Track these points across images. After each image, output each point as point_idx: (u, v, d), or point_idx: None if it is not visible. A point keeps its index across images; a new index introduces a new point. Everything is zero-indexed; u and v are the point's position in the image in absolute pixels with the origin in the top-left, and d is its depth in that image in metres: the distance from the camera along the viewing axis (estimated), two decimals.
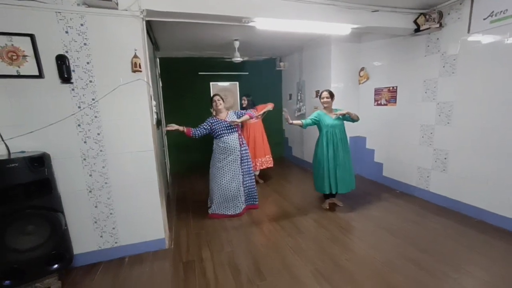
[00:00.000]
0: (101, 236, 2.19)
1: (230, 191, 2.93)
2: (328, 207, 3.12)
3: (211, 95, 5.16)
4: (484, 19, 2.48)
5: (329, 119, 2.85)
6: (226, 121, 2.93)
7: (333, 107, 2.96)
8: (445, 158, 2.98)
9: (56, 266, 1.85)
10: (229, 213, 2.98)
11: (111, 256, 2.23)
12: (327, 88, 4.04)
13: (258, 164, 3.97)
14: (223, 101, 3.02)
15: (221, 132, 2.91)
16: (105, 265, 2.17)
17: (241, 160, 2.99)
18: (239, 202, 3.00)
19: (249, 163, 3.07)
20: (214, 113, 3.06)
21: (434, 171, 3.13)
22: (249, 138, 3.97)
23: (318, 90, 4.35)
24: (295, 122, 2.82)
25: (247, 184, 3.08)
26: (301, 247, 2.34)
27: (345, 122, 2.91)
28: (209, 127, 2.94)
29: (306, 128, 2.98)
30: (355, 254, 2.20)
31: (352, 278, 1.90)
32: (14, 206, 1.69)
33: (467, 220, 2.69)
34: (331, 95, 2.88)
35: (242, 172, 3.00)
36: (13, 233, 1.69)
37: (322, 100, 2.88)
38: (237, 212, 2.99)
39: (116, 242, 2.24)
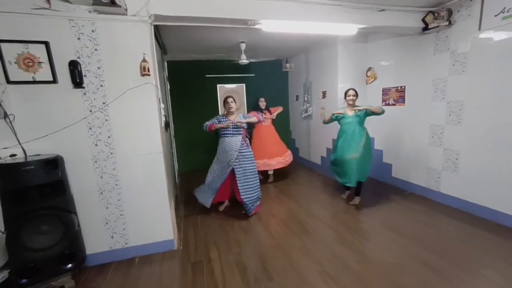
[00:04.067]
0: (112, 237, 2.24)
1: (212, 184, 3.07)
2: (346, 197, 3.39)
3: (218, 97, 5.28)
4: (496, 15, 2.42)
5: (348, 117, 3.01)
6: (234, 123, 3.00)
7: (339, 107, 3.07)
8: (456, 159, 2.92)
9: (70, 265, 1.91)
10: (200, 201, 3.11)
11: (122, 257, 2.28)
12: (335, 88, 4.06)
13: (274, 163, 4.10)
14: (235, 103, 3.10)
15: (227, 131, 2.99)
16: (116, 265, 2.22)
17: (244, 160, 3.00)
18: (210, 197, 3.08)
19: (252, 164, 3.08)
20: (225, 113, 3.16)
21: (444, 171, 3.07)
22: (261, 140, 4.10)
23: (325, 91, 4.34)
24: (327, 117, 3.11)
25: (251, 184, 3.05)
26: (309, 248, 2.33)
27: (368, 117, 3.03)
28: (217, 122, 3.02)
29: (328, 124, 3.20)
30: (364, 255, 2.18)
31: (360, 280, 1.88)
32: (30, 207, 1.76)
33: (480, 222, 2.62)
34: (357, 93, 3.05)
35: (244, 172, 2.99)
36: (29, 233, 1.75)
37: (348, 98, 3.02)
38: (206, 205, 3.06)
39: (126, 243, 2.29)
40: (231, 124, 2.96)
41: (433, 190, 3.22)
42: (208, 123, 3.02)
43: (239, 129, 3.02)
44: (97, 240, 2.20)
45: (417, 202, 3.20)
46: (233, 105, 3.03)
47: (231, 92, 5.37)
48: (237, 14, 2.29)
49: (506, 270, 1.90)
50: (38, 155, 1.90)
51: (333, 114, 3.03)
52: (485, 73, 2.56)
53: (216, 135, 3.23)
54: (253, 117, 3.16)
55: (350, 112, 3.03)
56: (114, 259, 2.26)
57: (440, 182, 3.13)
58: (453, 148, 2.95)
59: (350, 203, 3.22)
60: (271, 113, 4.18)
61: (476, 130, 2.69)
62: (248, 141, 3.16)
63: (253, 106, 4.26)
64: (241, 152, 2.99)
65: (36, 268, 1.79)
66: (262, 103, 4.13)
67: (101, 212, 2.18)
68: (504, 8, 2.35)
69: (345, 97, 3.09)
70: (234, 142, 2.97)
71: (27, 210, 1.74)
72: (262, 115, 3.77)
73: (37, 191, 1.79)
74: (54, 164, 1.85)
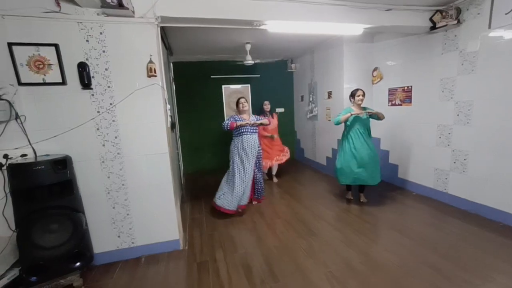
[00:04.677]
0: (119, 236, 2.27)
1: (239, 189, 3.01)
2: (350, 198, 3.35)
3: (223, 98, 5.31)
4: (506, 13, 2.37)
5: (357, 117, 2.95)
6: (250, 121, 3.11)
7: (345, 107, 3.02)
8: (465, 159, 2.86)
9: (78, 264, 1.94)
10: (229, 209, 2.99)
11: (128, 256, 2.31)
12: (340, 88, 4.04)
13: (274, 161, 4.17)
14: (248, 103, 3.25)
15: (245, 130, 3.07)
16: (122, 264, 2.25)
17: (257, 158, 3.19)
18: (241, 200, 3.05)
19: (260, 161, 3.29)
20: (236, 113, 3.27)
21: (453, 172, 3.01)
22: (265, 144, 4.17)
23: (331, 91, 4.32)
24: (344, 117, 2.96)
25: (258, 178, 3.31)
26: (314, 249, 2.31)
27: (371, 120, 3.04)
28: (233, 120, 3.07)
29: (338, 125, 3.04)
30: (370, 257, 2.15)
31: (366, 282, 1.86)
32: (40, 206, 1.79)
33: (490, 224, 2.57)
34: (364, 93, 3.02)
35: (256, 168, 3.22)
36: (39, 231, 1.79)
37: (357, 98, 2.97)
38: (234, 209, 3.01)
39: (132, 243, 2.31)
40: (250, 122, 3.07)
41: (441, 191, 3.17)
42: (227, 122, 3.04)
43: (255, 128, 3.16)
44: (104, 239, 2.23)
45: (424, 204, 3.15)
46: (246, 104, 3.17)
47: (236, 93, 5.39)
48: (243, 15, 2.30)
49: None
50: (48, 155, 1.94)
51: (352, 115, 2.90)
52: (495, 73, 2.51)
53: (226, 134, 3.28)
54: (265, 119, 3.28)
55: (360, 111, 2.97)
56: (120, 258, 2.29)
57: (448, 183, 3.08)
58: (461, 148, 2.90)
59: (361, 200, 3.24)
60: (272, 117, 4.21)
61: (486, 131, 2.64)
62: (260, 140, 3.33)
63: (258, 110, 4.26)
64: (258, 149, 3.20)
65: (45, 266, 1.82)
66: (267, 106, 4.14)
67: (108, 211, 2.21)
68: None
69: (352, 98, 3.04)
70: (253, 140, 3.09)
71: (37, 209, 1.78)
72: (269, 119, 3.90)
73: (47, 191, 1.82)
74: (63, 164, 1.88)
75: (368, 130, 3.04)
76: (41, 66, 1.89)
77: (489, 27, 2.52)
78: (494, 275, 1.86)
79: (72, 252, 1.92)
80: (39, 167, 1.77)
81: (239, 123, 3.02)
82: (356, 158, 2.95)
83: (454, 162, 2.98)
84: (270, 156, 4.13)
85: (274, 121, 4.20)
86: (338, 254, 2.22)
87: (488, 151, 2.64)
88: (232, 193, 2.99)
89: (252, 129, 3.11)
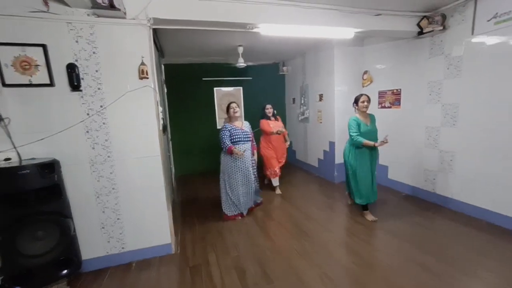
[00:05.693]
0: (109, 242, 2.21)
1: (243, 195, 3.04)
2: (374, 218, 2.84)
3: (215, 100, 5.29)
4: (488, 20, 2.48)
5: (364, 126, 2.67)
6: (243, 129, 2.97)
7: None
8: (451, 160, 2.96)
9: (65, 271, 1.88)
10: (239, 212, 3.09)
11: (119, 262, 2.25)
12: (331, 91, 4.09)
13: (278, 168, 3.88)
14: (239, 108, 3.07)
15: (239, 140, 2.90)
16: (112, 270, 2.19)
17: (252, 166, 3.07)
18: (247, 204, 3.14)
19: (255, 168, 3.16)
20: (227, 119, 3.05)
21: (440, 173, 3.10)
22: (271, 149, 3.87)
23: (322, 94, 4.37)
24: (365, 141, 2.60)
25: (254, 186, 3.16)
26: (308, 250, 2.32)
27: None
28: (229, 133, 2.89)
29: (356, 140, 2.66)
30: (362, 257, 2.18)
31: (359, 282, 1.88)
32: (25, 211, 1.73)
33: (475, 222, 2.65)
34: (369, 98, 2.73)
35: (253, 176, 3.08)
36: (24, 238, 1.72)
37: (362, 105, 2.68)
38: (245, 213, 3.12)
39: (123, 248, 2.26)
40: (244, 154, 2.88)
41: (429, 191, 3.25)
42: (226, 142, 2.84)
43: (249, 136, 3.02)
44: (93, 245, 2.17)
45: (414, 204, 3.22)
46: (237, 109, 2.98)
47: (230, 96, 5.38)
48: (236, 18, 2.30)
49: (499, 269, 1.94)
50: (34, 159, 1.87)
51: (375, 146, 2.59)
52: (479, 77, 2.62)
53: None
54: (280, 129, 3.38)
55: (366, 122, 2.72)
56: (110, 264, 2.23)
57: (436, 184, 3.17)
58: (448, 149, 2.99)
59: (370, 219, 2.80)
60: (277, 120, 3.90)
61: (471, 132, 2.74)
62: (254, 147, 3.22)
63: (260, 114, 3.88)
64: (252, 158, 3.09)
65: (30, 274, 1.75)
66: (269, 110, 3.79)
67: (97, 216, 2.15)
68: (497, 13, 2.41)
69: (356, 104, 2.76)
70: (247, 149, 2.97)
71: (22, 215, 1.71)
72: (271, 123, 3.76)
73: (33, 196, 1.76)
74: (51, 168, 1.83)
75: (376, 140, 2.72)
76: (27, 67, 1.83)
77: (472, 33, 2.62)
78: (478, 270, 1.93)
79: (59, 259, 1.85)
80: (25, 171, 1.71)
81: (236, 151, 2.80)
82: (365, 170, 2.73)
83: (442, 163, 3.07)
84: (276, 157, 3.84)
85: (279, 124, 3.85)
86: (330, 255, 2.24)
87: (474, 152, 2.73)
88: (240, 201, 3.03)
89: (245, 137, 2.96)
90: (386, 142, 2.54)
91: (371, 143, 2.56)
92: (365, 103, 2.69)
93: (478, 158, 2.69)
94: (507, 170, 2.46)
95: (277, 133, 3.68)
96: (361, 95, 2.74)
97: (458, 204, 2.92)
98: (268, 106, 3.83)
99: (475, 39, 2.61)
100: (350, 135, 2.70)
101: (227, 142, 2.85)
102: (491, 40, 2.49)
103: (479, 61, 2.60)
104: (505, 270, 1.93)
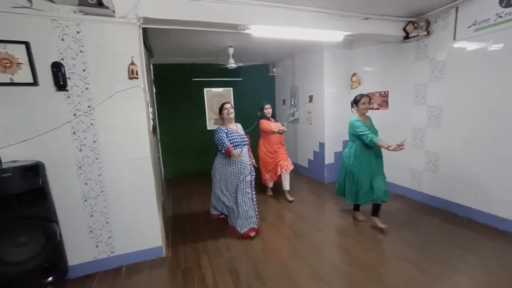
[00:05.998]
0: (97, 246, 2.14)
1: (224, 200, 2.80)
2: (364, 219, 2.85)
3: (205, 101, 5.24)
4: (468, 27, 2.60)
5: (366, 127, 2.56)
6: (239, 133, 2.73)
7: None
8: (436, 160, 3.08)
9: (50, 278, 1.81)
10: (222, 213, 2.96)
11: (108, 266, 2.18)
12: (321, 92, 4.15)
13: (278, 170, 3.55)
14: (233, 109, 2.78)
15: (237, 144, 2.64)
16: (101, 275, 2.12)
17: (250, 174, 2.71)
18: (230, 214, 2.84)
19: (253, 177, 2.76)
20: (221, 122, 2.82)
21: (426, 172, 3.22)
22: (270, 152, 3.66)
23: (312, 95, 4.43)
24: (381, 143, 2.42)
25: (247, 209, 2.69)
26: (300, 250, 2.35)
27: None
28: (225, 135, 2.62)
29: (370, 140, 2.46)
30: (353, 256, 2.23)
31: (351, 280, 1.93)
32: (7, 216, 1.64)
33: (459, 220, 2.77)
34: (370, 99, 2.63)
35: (250, 188, 2.70)
36: (5, 245, 1.64)
37: (363, 106, 2.56)
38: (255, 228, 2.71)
39: (112, 252, 2.19)
40: (241, 154, 2.57)
41: (416, 191, 3.37)
42: (225, 143, 2.55)
43: (245, 140, 2.76)
44: (80, 250, 2.09)
45: (401, 202, 3.32)
46: (232, 110, 2.72)
47: (220, 96, 5.35)
48: (227, 19, 2.30)
49: (480, 263, 2.05)
50: (16, 161, 1.79)
51: (390, 150, 2.35)
52: (460, 80, 2.74)
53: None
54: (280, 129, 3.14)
55: (366, 123, 2.61)
56: (99, 270, 2.16)
57: (422, 183, 3.28)
58: (433, 150, 3.11)
59: (381, 225, 2.63)
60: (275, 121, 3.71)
61: (454, 133, 2.86)
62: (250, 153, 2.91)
63: (259, 115, 3.65)
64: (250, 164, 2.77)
65: (12, 283, 1.67)
66: (268, 111, 3.56)
67: (85, 220, 2.08)
68: (476, 21, 2.53)
69: (356, 105, 2.63)
70: (244, 153, 2.68)
71: (3, 220, 1.63)
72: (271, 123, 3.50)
73: (16, 200, 1.68)
74: (34, 170, 1.75)
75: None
76: (8, 65, 1.75)
77: (454, 38, 2.74)
78: (463, 266, 2.02)
79: (43, 266, 1.77)
80: (5, 175, 1.63)
81: (234, 152, 2.47)
82: (366, 172, 2.61)
83: (427, 163, 3.19)
84: (277, 159, 3.54)
85: (278, 125, 3.59)
86: (323, 255, 2.27)
87: (457, 152, 2.85)
88: (247, 216, 2.65)
89: (242, 140, 2.71)
90: (402, 147, 2.28)
91: (385, 145, 2.35)
92: (366, 104, 2.57)
93: (462, 158, 2.81)
94: (490, 169, 2.58)
95: (278, 132, 3.37)
96: (362, 96, 2.60)
97: (443, 202, 3.04)
98: (267, 106, 3.58)
99: (456, 44, 2.74)
100: (362, 135, 2.47)
101: (227, 143, 2.55)
102: (471, 46, 2.61)
103: (461, 66, 2.72)
104: (488, 264, 2.02)
